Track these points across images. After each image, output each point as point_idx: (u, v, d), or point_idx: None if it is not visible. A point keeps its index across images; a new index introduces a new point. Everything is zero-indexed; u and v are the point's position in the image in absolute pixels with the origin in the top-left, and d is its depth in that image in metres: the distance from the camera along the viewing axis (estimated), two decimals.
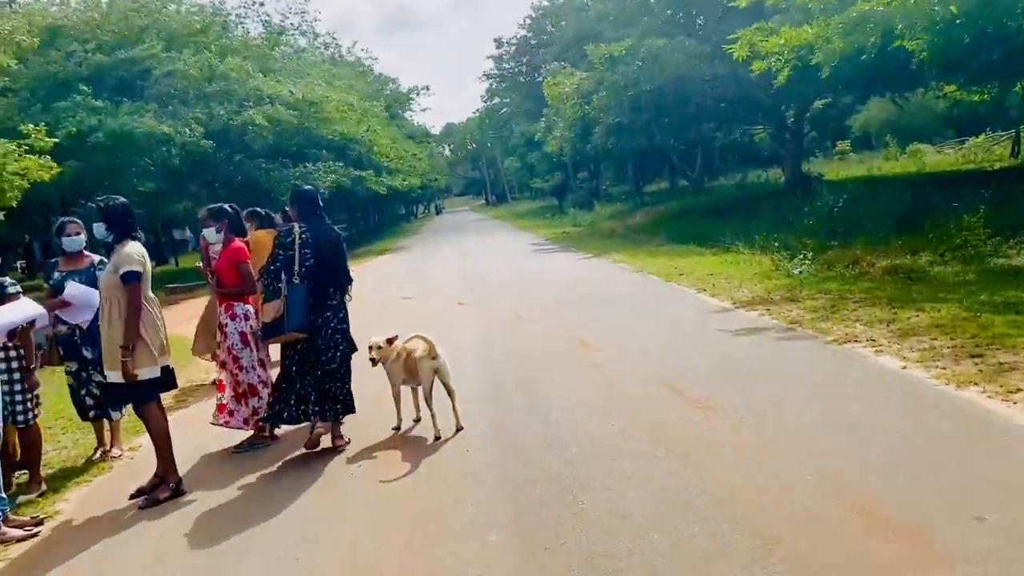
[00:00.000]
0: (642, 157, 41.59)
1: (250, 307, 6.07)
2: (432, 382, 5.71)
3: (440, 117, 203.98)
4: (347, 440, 5.77)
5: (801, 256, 12.49)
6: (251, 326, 6.00)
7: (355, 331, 6.06)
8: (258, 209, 8.25)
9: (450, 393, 5.77)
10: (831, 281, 10.45)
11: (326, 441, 5.77)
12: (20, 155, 15.21)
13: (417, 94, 60.88)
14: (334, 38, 45.91)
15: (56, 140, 16.91)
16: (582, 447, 5.06)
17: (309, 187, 6.48)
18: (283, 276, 5.43)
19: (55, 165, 16.20)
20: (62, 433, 7.07)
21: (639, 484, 4.37)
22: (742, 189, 33.65)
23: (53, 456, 6.50)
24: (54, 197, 26.65)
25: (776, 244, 13.24)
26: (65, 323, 6.05)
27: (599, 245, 20.55)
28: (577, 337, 8.66)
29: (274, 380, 5.91)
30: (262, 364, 6.13)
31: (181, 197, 28.34)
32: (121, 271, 4.97)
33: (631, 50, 22.99)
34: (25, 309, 5.31)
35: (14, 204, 15.55)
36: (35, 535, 4.81)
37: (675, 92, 22.86)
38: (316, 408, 5.61)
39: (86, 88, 23.42)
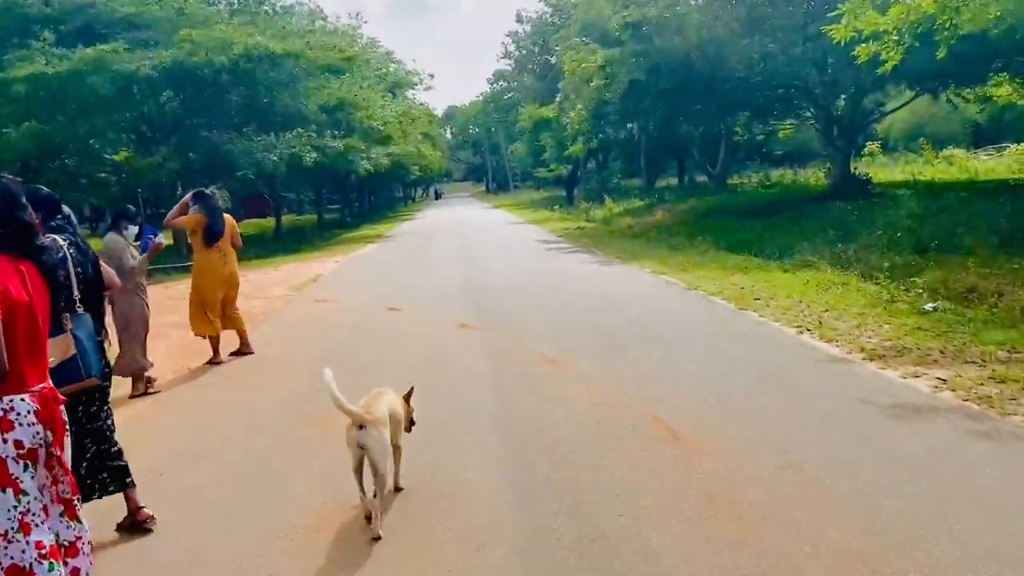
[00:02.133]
0: (655, 149, 38.26)
1: (22, 401, 2.77)
2: (359, 461, 3.83)
3: (443, 100, 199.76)
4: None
5: (912, 281, 9.42)
6: (18, 441, 2.73)
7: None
8: (204, 190, 8.14)
9: (375, 474, 3.83)
10: (993, 327, 7.21)
11: None
12: None
13: (420, 80, 56.91)
14: (320, 9, 41.68)
15: None
16: None
17: (45, 188, 4.01)
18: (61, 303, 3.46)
19: None
20: None
21: None
22: (771, 188, 30.42)
23: None
24: (12, 162, 23.26)
25: (886, 265, 10.10)
26: None
27: (624, 248, 17.24)
28: (652, 413, 5.41)
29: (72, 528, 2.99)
30: (49, 509, 2.86)
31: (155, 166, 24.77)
32: None
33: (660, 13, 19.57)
34: None
35: None
36: None
37: (707, 72, 19.46)
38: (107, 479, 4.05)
39: (48, 35, 20.01)
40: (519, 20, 52.17)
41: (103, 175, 27.28)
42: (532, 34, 49.68)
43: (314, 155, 23.35)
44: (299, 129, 23.96)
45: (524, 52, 52.22)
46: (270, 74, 23.25)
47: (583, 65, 21.42)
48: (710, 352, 7.17)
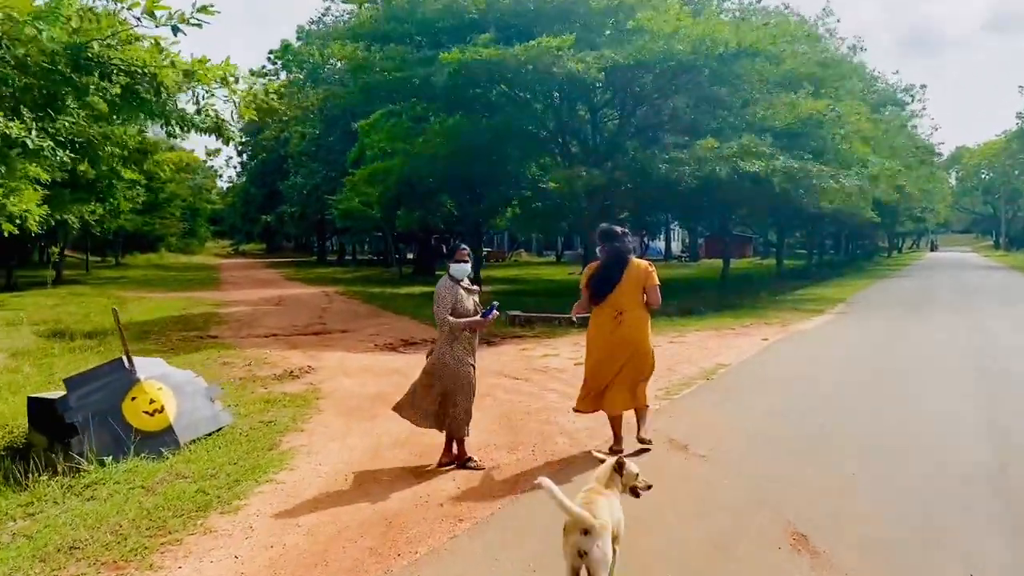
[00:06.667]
0: None
1: None
2: (576, 572, 3.26)
3: (951, 141, 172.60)
4: None
5: None
6: None
7: None
8: (614, 227, 6.40)
9: None
10: None
11: None
12: None
13: (912, 97, 46.98)
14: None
15: None
16: None
17: None
18: None
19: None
20: None
21: None
22: None
23: None
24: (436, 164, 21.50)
25: None
26: None
27: None
28: None
29: None
30: None
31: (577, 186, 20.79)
32: None
33: None
34: None
35: None
36: None
37: None
38: None
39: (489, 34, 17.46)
40: None
41: (536, 204, 24.88)
42: None
43: (760, 164, 17.27)
44: (751, 136, 18.19)
45: None
46: (720, 74, 17.92)
47: None
48: None
